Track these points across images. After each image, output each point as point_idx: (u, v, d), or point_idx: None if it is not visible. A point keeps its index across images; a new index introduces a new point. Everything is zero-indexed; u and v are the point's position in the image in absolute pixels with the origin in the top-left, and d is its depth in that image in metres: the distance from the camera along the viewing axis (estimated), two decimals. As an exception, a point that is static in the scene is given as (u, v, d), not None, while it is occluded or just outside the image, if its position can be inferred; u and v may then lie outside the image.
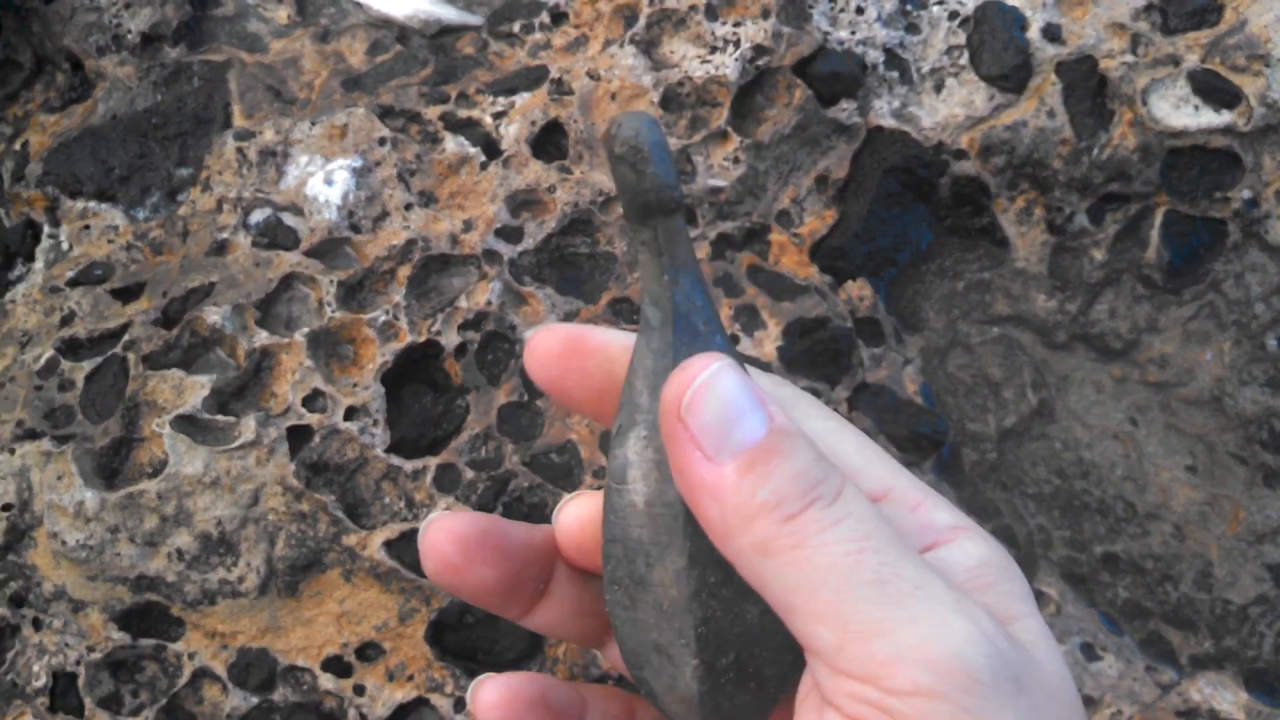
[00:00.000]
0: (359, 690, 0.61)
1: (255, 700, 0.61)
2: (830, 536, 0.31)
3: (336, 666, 0.62)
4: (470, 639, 0.62)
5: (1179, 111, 0.65)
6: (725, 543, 0.33)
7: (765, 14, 0.69)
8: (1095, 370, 0.69)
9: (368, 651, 0.62)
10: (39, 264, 0.73)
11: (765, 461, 0.32)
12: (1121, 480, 0.68)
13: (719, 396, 0.32)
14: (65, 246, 0.72)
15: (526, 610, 0.43)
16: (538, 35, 0.72)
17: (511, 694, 0.41)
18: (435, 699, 0.61)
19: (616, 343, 0.39)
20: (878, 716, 0.30)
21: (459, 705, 0.61)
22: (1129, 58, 0.65)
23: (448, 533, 0.41)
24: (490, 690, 0.42)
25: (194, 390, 0.64)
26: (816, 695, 0.34)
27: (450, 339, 0.65)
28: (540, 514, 0.63)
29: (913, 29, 0.69)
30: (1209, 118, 0.65)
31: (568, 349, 0.39)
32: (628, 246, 0.67)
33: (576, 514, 0.43)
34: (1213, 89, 0.65)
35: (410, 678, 0.62)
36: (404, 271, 0.66)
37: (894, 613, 0.31)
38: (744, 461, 0.32)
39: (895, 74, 0.68)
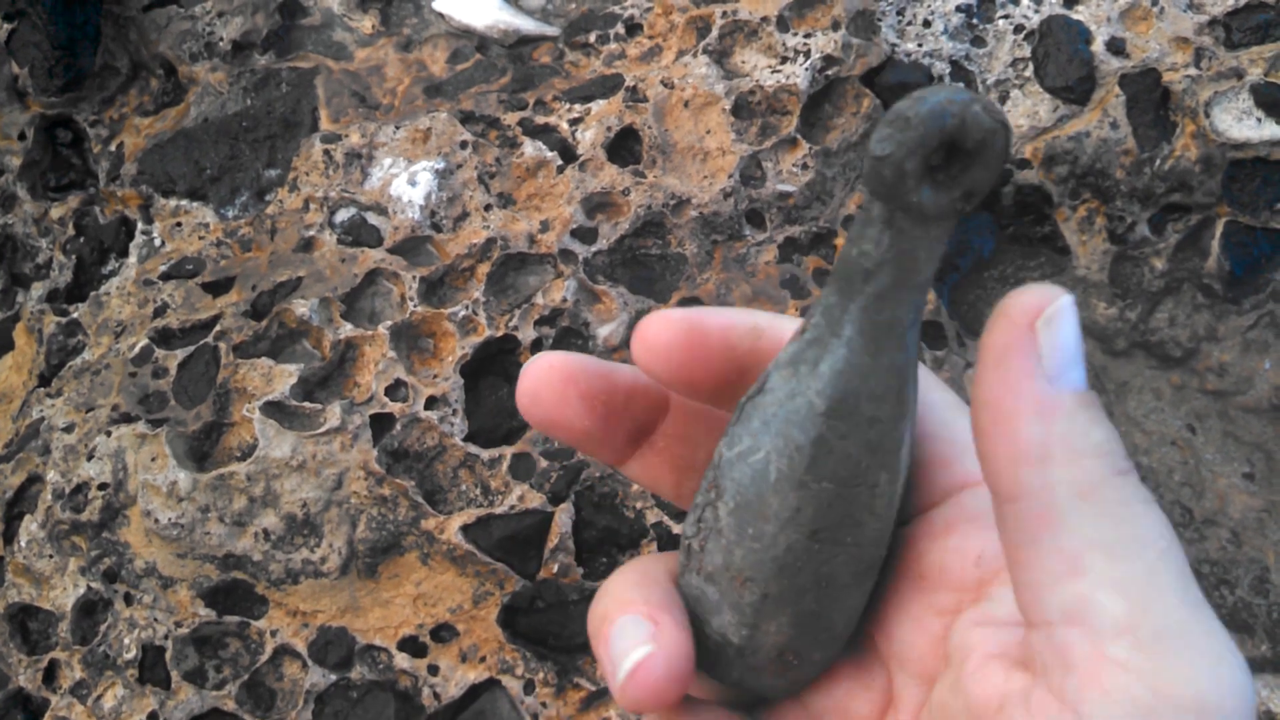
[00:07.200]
0: (433, 670, 0.64)
1: (334, 678, 0.64)
2: (1150, 511, 0.29)
3: (412, 647, 0.64)
4: (541, 623, 0.64)
5: (1241, 124, 0.66)
6: (1033, 467, 0.30)
7: (835, 26, 0.71)
8: (1154, 377, 0.71)
9: (442, 633, 0.64)
10: (132, 259, 0.76)
11: (1095, 408, 0.30)
12: (1179, 486, 0.69)
13: (1070, 327, 0.30)
14: (158, 242, 0.76)
15: (624, 457, 0.41)
16: (613, 45, 0.74)
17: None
18: (506, 680, 0.64)
19: (739, 324, 0.37)
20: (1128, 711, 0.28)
21: (529, 687, 0.64)
22: (1192, 71, 0.67)
23: (544, 369, 0.38)
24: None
25: (282, 378, 0.67)
26: (1023, 678, 0.30)
27: (526, 334, 0.67)
28: (611, 503, 0.65)
29: (978, 42, 0.71)
30: (1271, 130, 0.66)
31: (689, 337, 0.36)
32: (696, 249, 0.69)
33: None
34: (1275, 102, 0.66)
35: (482, 659, 0.64)
36: (483, 269, 0.68)
37: (1192, 618, 0.29)
38: (1081, 399, 0.30)
39: (961, 84, 0.70)
